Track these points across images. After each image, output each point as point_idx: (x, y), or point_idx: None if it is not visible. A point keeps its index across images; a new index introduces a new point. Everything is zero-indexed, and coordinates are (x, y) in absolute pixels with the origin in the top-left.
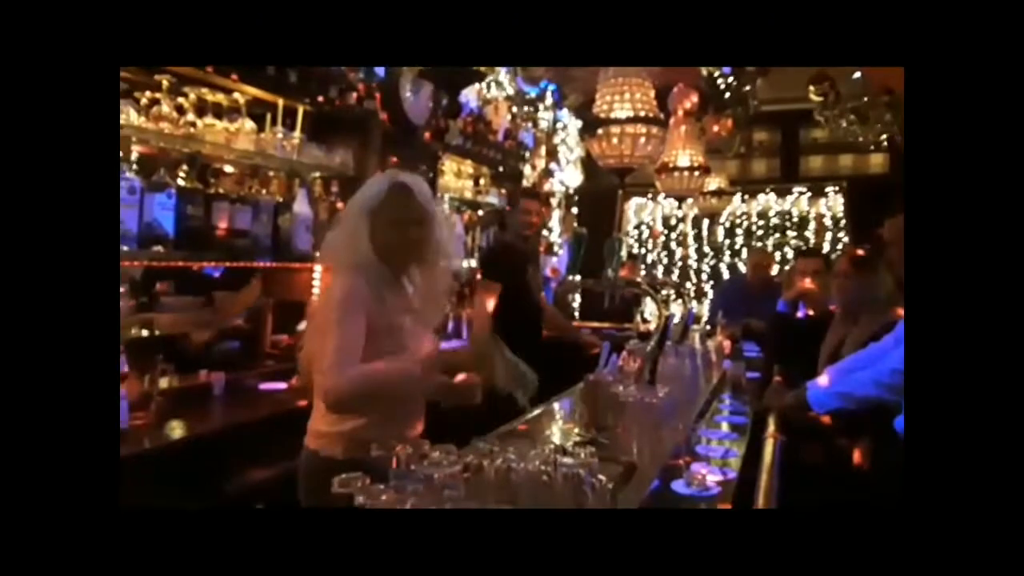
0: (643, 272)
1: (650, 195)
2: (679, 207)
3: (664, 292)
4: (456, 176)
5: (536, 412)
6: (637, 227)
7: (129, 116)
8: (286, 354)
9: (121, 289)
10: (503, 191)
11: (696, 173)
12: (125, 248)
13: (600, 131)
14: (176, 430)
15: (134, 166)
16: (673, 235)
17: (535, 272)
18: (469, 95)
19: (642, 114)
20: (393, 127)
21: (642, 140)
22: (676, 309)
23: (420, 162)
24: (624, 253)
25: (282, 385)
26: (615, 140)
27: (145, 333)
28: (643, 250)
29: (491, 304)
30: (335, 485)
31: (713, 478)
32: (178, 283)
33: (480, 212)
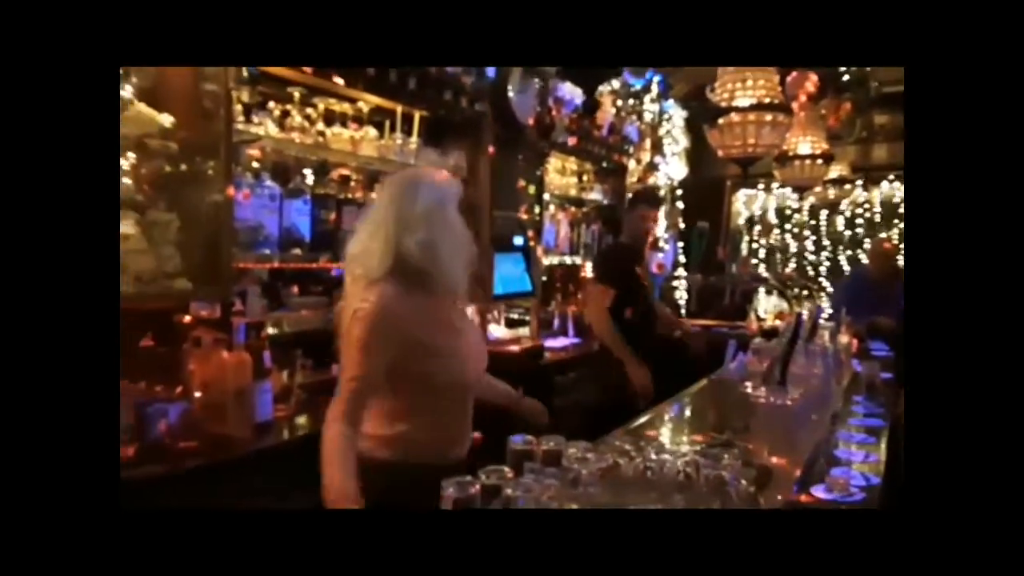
0: (755, 267)
1: (761, 185)
2: (800, 198)
3: (793, 288)
4: (560, 173)
5: (648, 415)
6: (748, 220)
7: (267, 127)
8: None
9: (257, 289)
10: (606, 187)
11: (818, 161)
12: (267, 251)
13: (721, 121)
14: (305, 422)
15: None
16: (787, 227)
17: (644, 271)
18: (573, 92)
19: (766, 101)
20: (501, 127)
21: (767, 128)
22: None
23: (527, 161)
24: (744, 248)
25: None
26: (738, 129)
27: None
28: (754, 244)
29: (606, 304)
30: (482, 477)
31: (856, 483)
32: (304, 283)
33: (584, 209)
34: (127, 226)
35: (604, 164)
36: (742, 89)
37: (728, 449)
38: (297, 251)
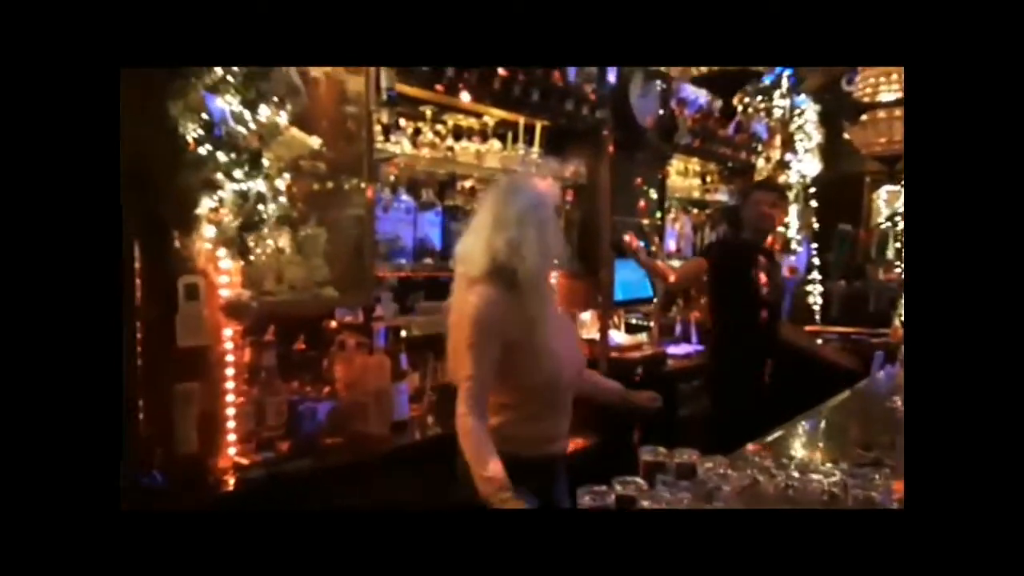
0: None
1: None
2: None
3: None
4: (682, 175)
5: (784, 429)
6: (890, 219)
7: (402, 145)
8: None
9: (389, 295)
10: (732, 187)
11: None
12: (403, 261)
13: (864, 117)
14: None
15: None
16: None
17: (771, 272)
18: (697, 92)
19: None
20: (622, 132)
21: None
22: None
23: (648, 164)
24: (891, 251)
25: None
26: (882, 126)
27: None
28: (898, 244)
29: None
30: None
31: None
32: (431, 291)
33: (708, 211)
34: (283, 240)
35: (730, 164)
36: (887, 84)
37: (878, 468)
38: (429, 260)
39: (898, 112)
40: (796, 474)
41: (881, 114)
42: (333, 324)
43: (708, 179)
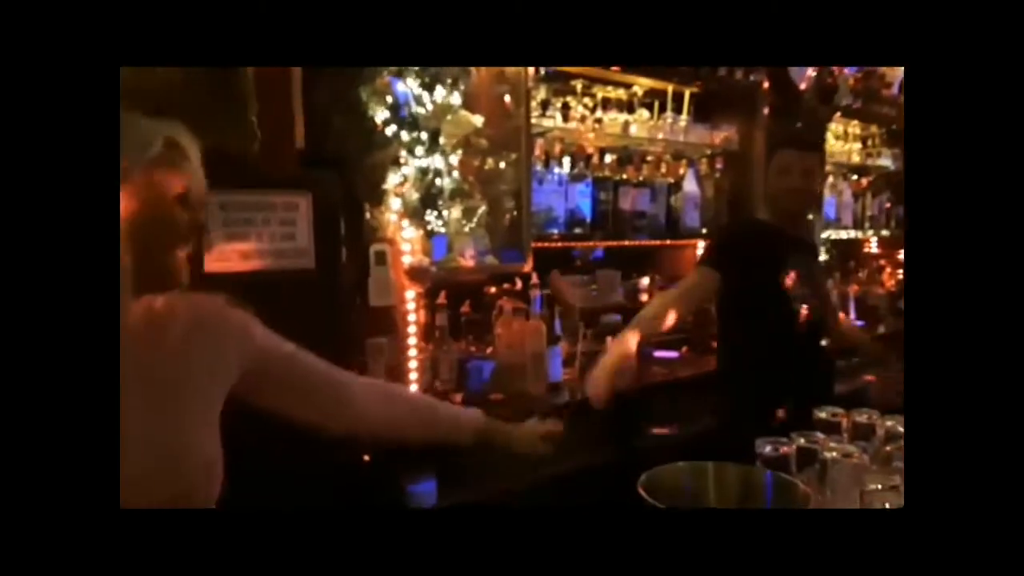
0: None
1: None
2: None
3: None
4: (841, 139)
5: None
6: None
7: (556, 119)
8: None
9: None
10: (897, 151)
11: None
12: (555, 231)
13: None
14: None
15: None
16: None
17: (807, 271)
18: None
19: None
20: (777, 96)
21: None
22: None
23: (808, 128)
24: None
25: (674, 354)
26: None
27: None
28: None
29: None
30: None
31: None
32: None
33: (870, 177)
34: (455, 211)
35: (894, 126)
36: None
37: None
38: (579, 230)
39: None
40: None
41: None
42: (494, 290)
43: (870, 143)
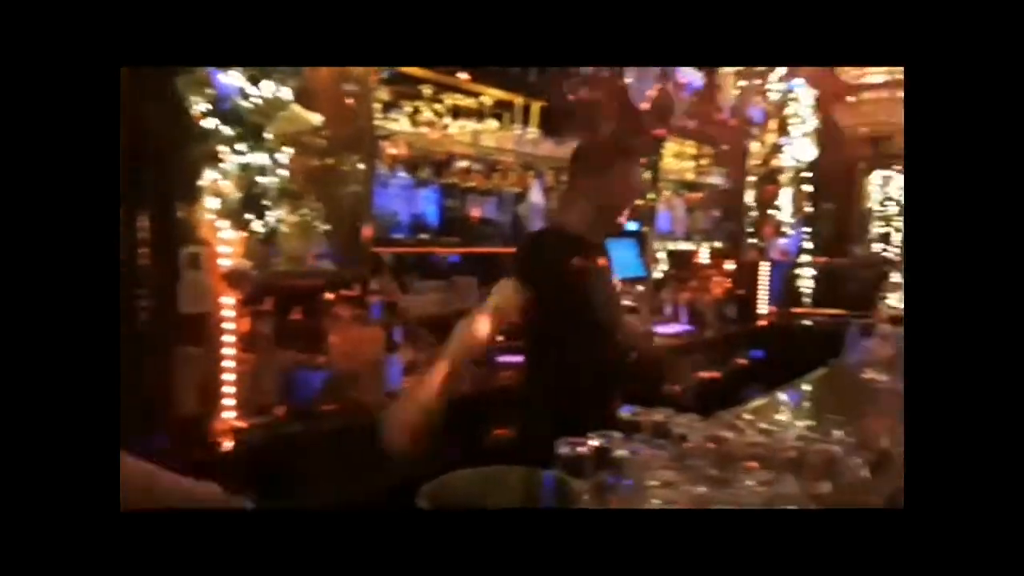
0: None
1: (898, 167)
2: None
3: None
4: (677, 158)
5: (762, 400)
6: (883, 202)
7: (401, 123)
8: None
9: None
10: (725, 170)
11: None
12: (399, 237)
13: (851, 99)
14: None
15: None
16: None
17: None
18: (693, 74)
19: (899, 77)
20: (619, 114)
21: (899, 105)
22: None
23: (645, 146)
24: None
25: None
26: (869, 107)
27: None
28: (891, 228)
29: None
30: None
31: None
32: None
33: (701, 193)
34: (284, 213)
35: (724, 147)
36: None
37: (839, 428)
38: (424, 236)
39: (885, 93)
40: (765, 427)
41: (866, 95)
42: (330, 296)
43: (703, 162)
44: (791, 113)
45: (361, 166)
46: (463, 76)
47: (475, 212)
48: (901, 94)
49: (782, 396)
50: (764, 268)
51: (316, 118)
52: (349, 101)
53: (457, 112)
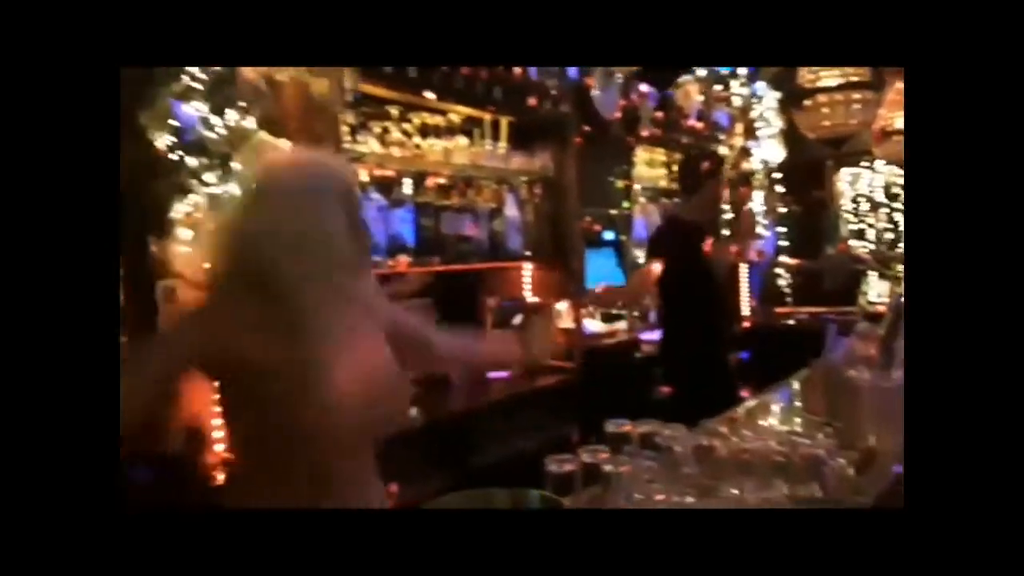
0: (866, 248)
1: (866, 164)
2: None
3: (897, 268)
4: (649, 166)
5: (752, 402)
6: (853, 200)
7: (370, 145)
8: None
9: None
10: None
11: None
12: (377, 258)
13: (808, 102)
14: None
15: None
16: (897, 205)
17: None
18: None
19: (854, 79)
20: (586, 125)
21: (856, 107)
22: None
23: (615, 156)
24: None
25: (505, 375)
26: (825, 110)
27: None
28: (862, 224)
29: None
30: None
31: None
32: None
33: (675, 200)
34: None
35: (692, 153)
36: (827, 68)
37: (823, 428)
38: (403, 256)
39: (840, 96)
40: (748, 434)
41: (822, 98)
42: None
43: (674, 168)
44: (757, 116)
45: None
46: (429, 95)
47: (450, 229)
48: (857, 96)
49: (768, 398)
50: (743, 269)
51: (284, 144)
52: (316, 126)
53: (426, 131)
